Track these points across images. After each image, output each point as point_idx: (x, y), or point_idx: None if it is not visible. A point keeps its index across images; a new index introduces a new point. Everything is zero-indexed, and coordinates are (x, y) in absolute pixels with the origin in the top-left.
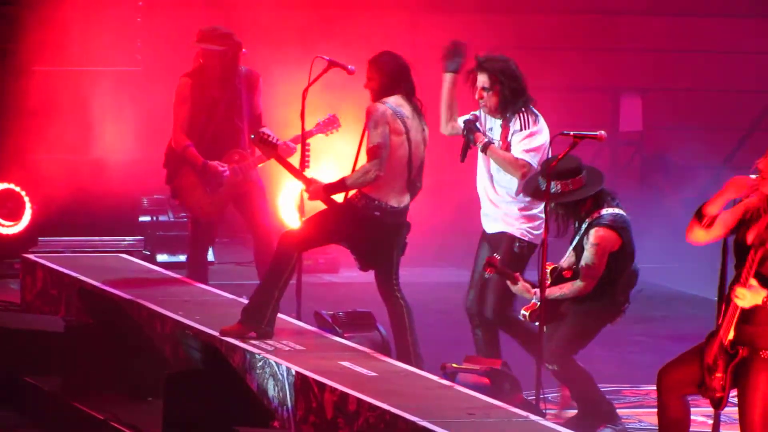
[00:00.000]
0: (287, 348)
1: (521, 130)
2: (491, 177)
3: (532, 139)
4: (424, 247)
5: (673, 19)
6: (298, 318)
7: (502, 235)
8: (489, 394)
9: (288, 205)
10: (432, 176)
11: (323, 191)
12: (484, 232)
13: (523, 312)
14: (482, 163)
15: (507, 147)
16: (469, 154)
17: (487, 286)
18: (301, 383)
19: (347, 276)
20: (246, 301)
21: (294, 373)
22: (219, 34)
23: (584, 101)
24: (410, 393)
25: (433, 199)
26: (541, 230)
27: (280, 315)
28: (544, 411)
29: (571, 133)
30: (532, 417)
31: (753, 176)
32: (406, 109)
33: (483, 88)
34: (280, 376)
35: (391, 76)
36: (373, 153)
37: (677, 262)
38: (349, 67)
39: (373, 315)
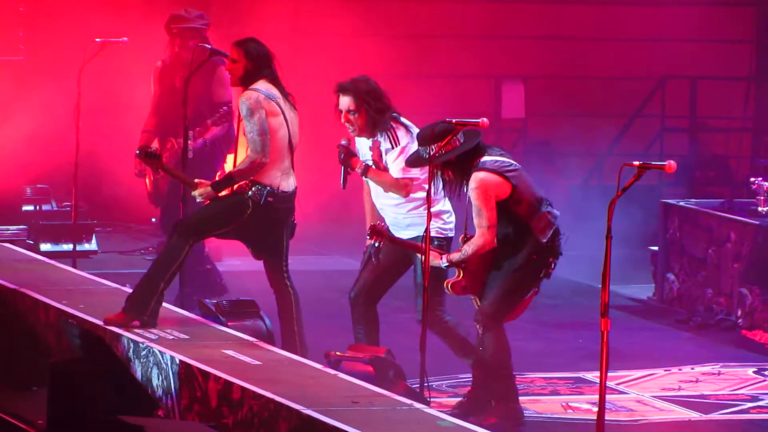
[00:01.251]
0: (171, 337)
1: (393, 147)
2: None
3: (405, 153)
4: (301, 235)
5: (556, 7)
6: (182, 307)
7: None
8: (373, 382)
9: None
10: (305, 164)
11: (213, 190)
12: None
13: (446, 284)
14: (371, 181)
15: (385, 167)
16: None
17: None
18: (185, 372)
19: (230, 264)
20: (130, 290)
21: (178, 361)
22: (194, 27)
23: (466, 89)
24: (294, 381)
25: (306, 187)
26: (452, 222)
27: (164, 304)
28: (428, 399)
29: (453, 120)
30: (417, 405)
31: (635, 162)
32: (275, 91)
33: (348, 111)
34: (164, 365)
35: (257, 62)
36: (255, 141)
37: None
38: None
39: (256, 303)
